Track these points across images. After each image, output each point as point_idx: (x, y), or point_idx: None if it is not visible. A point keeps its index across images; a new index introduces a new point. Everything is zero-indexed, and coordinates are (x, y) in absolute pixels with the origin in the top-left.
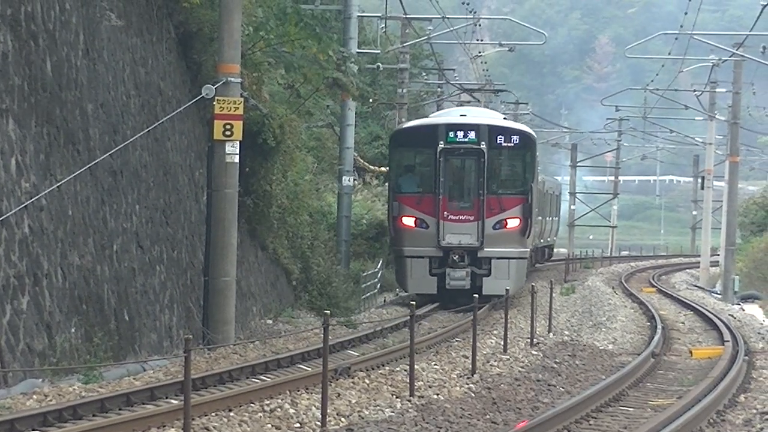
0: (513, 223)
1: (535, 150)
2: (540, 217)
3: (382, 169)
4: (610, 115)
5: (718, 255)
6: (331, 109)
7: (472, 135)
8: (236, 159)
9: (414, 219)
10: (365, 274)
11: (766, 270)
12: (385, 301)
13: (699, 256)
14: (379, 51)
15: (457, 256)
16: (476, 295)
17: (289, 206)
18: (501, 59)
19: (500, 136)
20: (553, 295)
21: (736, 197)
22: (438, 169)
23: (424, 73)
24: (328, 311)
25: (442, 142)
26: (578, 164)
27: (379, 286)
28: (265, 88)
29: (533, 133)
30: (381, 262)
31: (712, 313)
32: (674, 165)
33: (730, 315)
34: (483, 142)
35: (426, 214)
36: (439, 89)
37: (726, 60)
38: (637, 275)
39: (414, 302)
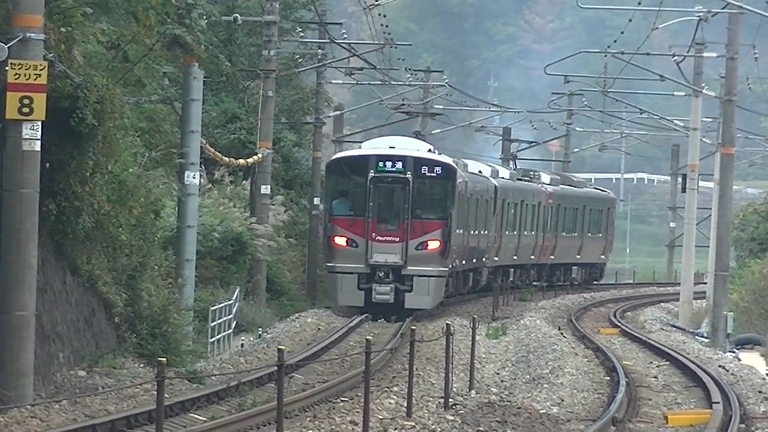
0: (434, 244)
1: (455, 179)
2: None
3: (241, 161)
4: (557, 89)
5: (705, 283)
6: (169, 77)
7: (399, 165)
8: (37, 146)
9: (345, 239)
10: (215, 307)
11: None
12: (243, 345)
13: (678, 284)
14: None
15: (382, 273)
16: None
17: (110, 212)
18: (406, 10)
19: (424, 167)
20: (477, 338)
21: (729, 204)
22: (368, 195)
23: (299, 29)
24: (164, 359)
25: (372, 171)
26: (513, 156)
27: (234, 324)
28: (78, 48)
29: (454, 164)
30: (238, 291)
31: (696, 364)
32: (645, 158)
33: (720, 366)
34: (409, 172)
35: (356, 234)
36: (320, 51)
37: (717, 13)
38: (593, 310)
39: (283, 347)
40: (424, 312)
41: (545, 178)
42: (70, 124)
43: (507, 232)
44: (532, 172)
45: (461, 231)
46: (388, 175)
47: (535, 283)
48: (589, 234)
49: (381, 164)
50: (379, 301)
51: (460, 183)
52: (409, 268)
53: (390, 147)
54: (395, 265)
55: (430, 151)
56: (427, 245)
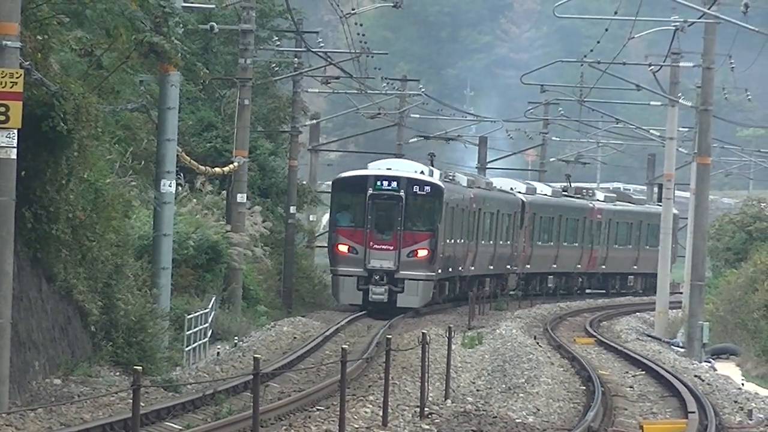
0: (422, 252)
1: (442, 197)
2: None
3: (217, 169)
4: (533, 98)
5: (681, 293)
6: (146, 85)
7: (394, 184)
8: (13, 154)
9: (347, 246)
10: (191, 316)
11: (745, 314)
12: (218, 354)
13: (653, 294)
14: (213, 5)
15: (378, 276)
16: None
17: (85, 220)
18: (383, 19)
19: (416, 186)
20: (453, 347)
21: (706, 213)
22: (367, 209)
23: (276, 38)
24: (140, 367)
25: (371, 189)
26: (488, 165)
27: (210, 333)
28: (54, 56)
29: (442, 185)
30: (214, 299)
31: (672, 374)
32: (621, 168)
33: (696, 376)
34: (402, 190)
35: (356, 243)
36: (296, 59)
37: (693, 23)
38: (569, 320)
39: (259, 355)
40: (412, 311)
41: (599, 195)
42: (46, 132)
43: (540, 243)
44: (585, 190)
45: (462, 240)
46: (384, 193)
47: (588, 291)
48: (647, 246)
49: (378, 183)
50: (375, 300)
51: (449, 200)
52: (401, 272)
53: (387, 168)
54: (389, 270)
55: (422, 173)
56: (417, 253)
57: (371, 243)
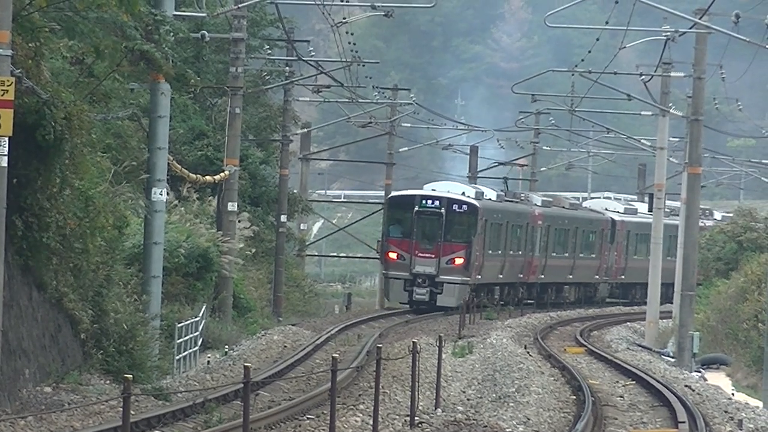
0: (459, 261)
1: (477, 214)
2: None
3: (208, 178)
4: (524, 107)
5: (671, 303)
6: (137, 94)
7: (436, 203)
8: (4, 162)
9: (396, 254)
10: (181, 324)
11: (735, 324)
12: (209, 362)
13: (644, 303)
14: (205, 14)
15: (421, 280)
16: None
17: (76, 228)
18: (374, 28)
19: (455, 205)
20: (443, 356)
21: (696, 223)
22: (413, 223)
23: (267, 47)
24: (130, 375)
25: (417, 206)
26: (479, 174)
27: (201, 341)
28: (45, 64)
29: (477, 204)
30: (204, 308)
31: (662, 384)
32: (612, 178)
33: (686, 386)
34: (443, 208)
35: (404, 251)
36: (287, 68)
37: (684, 33)
38: (559, 329)
39: (249, 364)
40: (451, 310)
41: (717, 215)
42: (37, 140)
43: (635, 257)
44: (707, 210)
45: (519, 252)
46: (428, 210)
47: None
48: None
49: (423, 201)
50: (418, 300)
51: (488, 217)
52: (441, 276)
53: (432, 189)
54: (431, 274)
55: (463, 194)
56: (454, 261)
57: (416, 252)
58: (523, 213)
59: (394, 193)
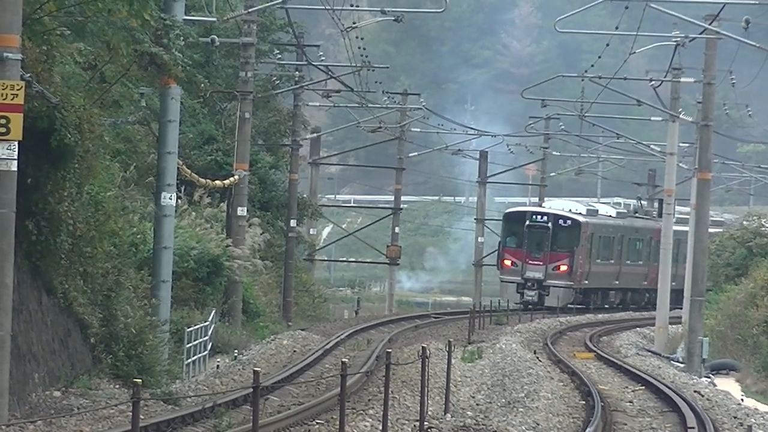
0: (563, 267)
1: (580, 229)
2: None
3: (217, 182)
4: (534, 113)
5: (681, 308)
6: (146, 98)
7: (544, 218)
8: (14, 166)
9: (511, 261)
10: (191, 329)
11: (745, 330)
12: (218, 367)
13: (653, 309)
14: (215, 19)
15: (531, 283)
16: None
17: (86, 233)
18: (384, 33)
19: (561, 220)
20: (453, 361)
21: (706, 229)
22: (525, 235)
23: (277, 51)
24: (140, 380)
25: (528, 221)
26: (489, 179)
27: (210, 346)
28: (56, 68)
29: (580, 219)
30: (213, 312)
31: (672, 389)
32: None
33: (696, 392)
34: (550, 222)
35: (517, 259)
36: (297, 73)
37: (694, 38)
38: (569, 335)
39: (259, 368)
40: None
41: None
42: (48, 144)
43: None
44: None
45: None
46: (538, 224)
47: None
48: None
49: (534, 217)
50: (528, 301)
51: (593, 231)
52: (548, 281)
53: (541, 206)
54: (539, 279)
55: (570, 210)
56: (560, 268)
57: (527, 259)
58: (642, 228)
59: (509, 210)
